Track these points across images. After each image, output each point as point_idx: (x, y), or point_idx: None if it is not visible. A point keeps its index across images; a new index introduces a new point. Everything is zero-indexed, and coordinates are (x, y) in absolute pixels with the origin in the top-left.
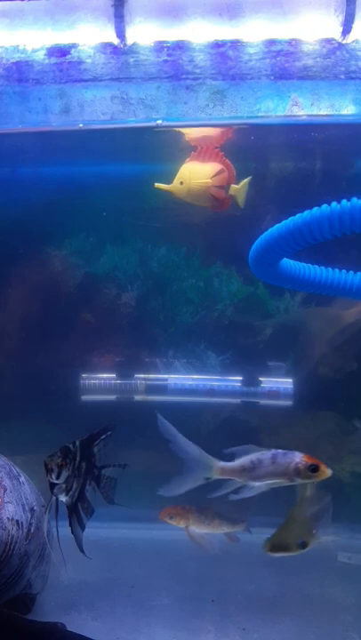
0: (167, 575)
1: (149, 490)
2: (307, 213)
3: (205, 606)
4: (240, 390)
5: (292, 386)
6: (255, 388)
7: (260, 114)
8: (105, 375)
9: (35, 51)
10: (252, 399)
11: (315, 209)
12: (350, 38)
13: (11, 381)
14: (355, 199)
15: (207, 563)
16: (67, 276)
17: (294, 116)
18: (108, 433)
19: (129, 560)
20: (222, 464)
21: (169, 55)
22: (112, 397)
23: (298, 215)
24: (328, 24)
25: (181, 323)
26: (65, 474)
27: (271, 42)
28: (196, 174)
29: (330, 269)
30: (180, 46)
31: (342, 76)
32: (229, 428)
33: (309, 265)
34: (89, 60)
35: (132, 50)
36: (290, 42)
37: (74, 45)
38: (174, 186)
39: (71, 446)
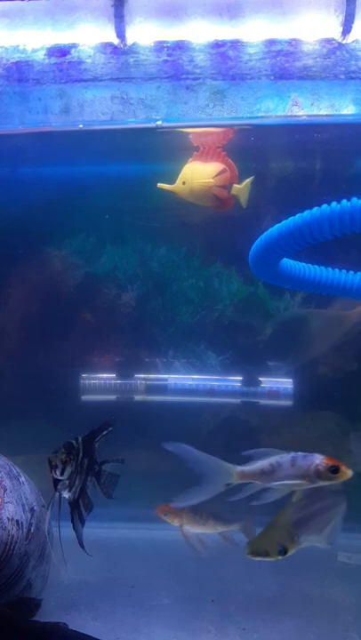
0: (167, 575)
1: (149, 490)
2: (307, 213)
3: (205, 606)
4: (240, 390)
5: (292, 386)
6: (255, 388)
7: (260, 114)
8: (105, 375)
9: (35, 51)
10: (252, 399)
11: (315, 209)
12: (350, 38)
13: (11, 381)
14: (355, 199)
15: (207, 563)
16: (67, 275)
17: (294, 116)
18: (110, 429)
19: (129, 560)
20: (241, 468)
21: (169, 55)
22: (112, 397)
23: (298, 215)
24: (328, 24)
25: (181, 323)
26: (69, 470)
27: (271, 42)
28: (198, 174)
29: (330, 269)
30: (180, 46)
31: (342, 76)
32: (229, 428)
33: (309, 265)
34: (89, 60)
35: (132, 50)
36: (290, 42)
37: (74, 45)
38: (177, 186)
39: (74, 442)
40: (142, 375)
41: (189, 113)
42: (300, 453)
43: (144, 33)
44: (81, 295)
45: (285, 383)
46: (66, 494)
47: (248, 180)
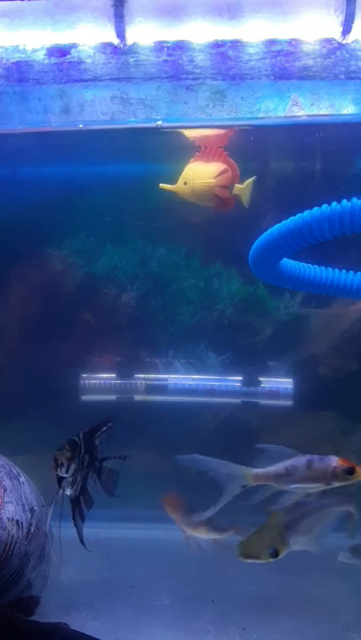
0: (167, 575)
1: (149, 490)
2: (307, 213)
3: (205, 606)
4: (240, 390)
5: (292, 386)
6: (255, 388)
7: (260, 114)
8: (105, 375)
9: (35, 51)
10: (252, 399)
11: (315, 209)
12: (350, 38)
13: (11, 381)
14: (355, 199)
15: (207, 563)
16: (67, 275)
17: (294, 116)
18: (109, 425)
19: (129, 560)
20: (256, 471)
21: (169, 55)
22: (112, 397)
23: (298, 215)
24: (328, 24)
25: (181, 323)
26: (73, 467)
27: (271, 42)
28: (199, 174)
29: (330, 269)
30: (180, 46)
31: (342, 76)
32: (229, 428)
33: (309, 265)
34: (89, 60)
35: (132, 50)
36: (290, 42)
37: (74, 45)
38: (178, 186)
39: (77, 439)
40: (142, 375)
41: (189, 113)
42: (315, 456)
43: (144, 33)
44: (81, 295)
45: (285, 383)
46: (68, 491)
47: (250, 180)
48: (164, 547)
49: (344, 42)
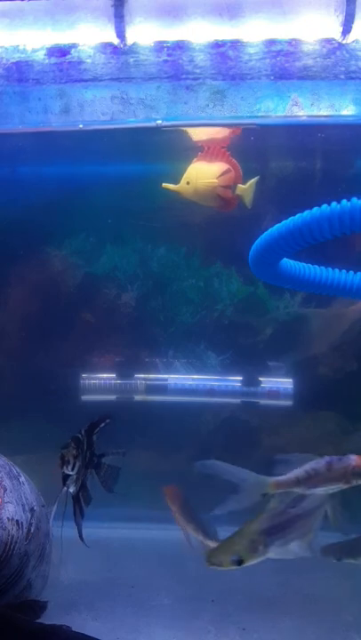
0: (167, 575)
1: (149, 490)
2: (307, 213)
3: (205, 606)
4: (240, 390)
5: (292, 386)
6: (255, 388)
7: (260, 114)
8: (105, 375)
9: (35, 51)
10: (252, 399)
11: (315, 209)
12: (350, 38)
13: (11, 381)
14: (355, 199)
15: None
16: (67, 275)
17: (294, 116)
18: (107, 421)
19: (129, 560)
20: (276, 479)
21: (169, 55)
22: (112, 397)
23: (298, 215)
24: (328, 24)
25: (181, 323)
26: (77, 465)
27: (271, 42)
28: (202, 174)
29: (330, 269)
30: (180, 46)
31: (342, 76)
32: (229, 428)
33: (309, 265)
34: (89, 60)
35: (132, 50)
36: (290, 42)
37: (74, 45)
38: (181, 186)
39: (80, 436)
40: (142, 375)
41: (189, 113)
42: (334, 457)
43: (144, 33)
44: (81, 295)
45: (285, 383)
46: (72, 489)
47: (253, 181)
48: (164, 547)
49: (344, 42)
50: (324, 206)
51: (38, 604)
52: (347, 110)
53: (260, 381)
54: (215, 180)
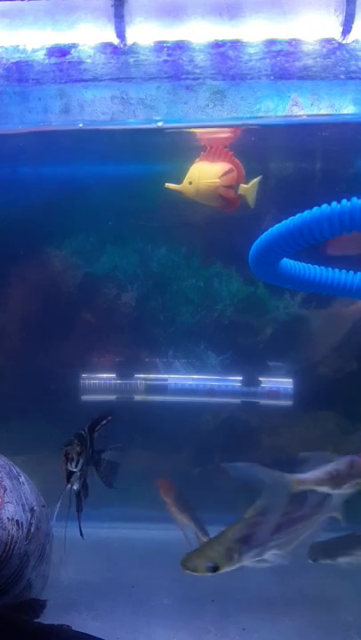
0: (167, 575)
1: (149, 490)
2: (307, 213)
3: (205, 606)
4: (240, 390)
5: (292, 386)
6: (255, 388)
7: (260, 114)
8: (105, 375)
9: (35, 51)
10: (252, 399)
11: (315, 209)
12: (350, 38)
13: (11, 381)
14: (355, 199)
15: None
16: (67, 275)
17: (294, 116)
18: (109, 418)
19: (129, 560)
20: (298, 477)
21: (169, 55)
22: (112, 397)
23: (298, 215)
24: (328, 24)
25: (181, 323)
26: (81, 461)
27: (271, 42)
28: (204, 174)
29: (330, 269)
30: (180, 46)
31: (342, 76)
32: (229, 428)
33: (309, 265)
34: (89, 60)
35: (132, 50)
36: (290, 42)
37: (74, 45)
38: (184, 186)
39: (83, 433)
40: (142, 375)
41: (189, 113)
42: (354, 456)
43: (144, 33)
44: (81, 295)
45: (285, 383)
46: (76, 486)
47: (255, 180)
48: (164, 547)
49: (344, 42)
50: (324, 206)
51: (38, 603)
52: (347, 110)
53: (260, 381)
54: (217, 180)
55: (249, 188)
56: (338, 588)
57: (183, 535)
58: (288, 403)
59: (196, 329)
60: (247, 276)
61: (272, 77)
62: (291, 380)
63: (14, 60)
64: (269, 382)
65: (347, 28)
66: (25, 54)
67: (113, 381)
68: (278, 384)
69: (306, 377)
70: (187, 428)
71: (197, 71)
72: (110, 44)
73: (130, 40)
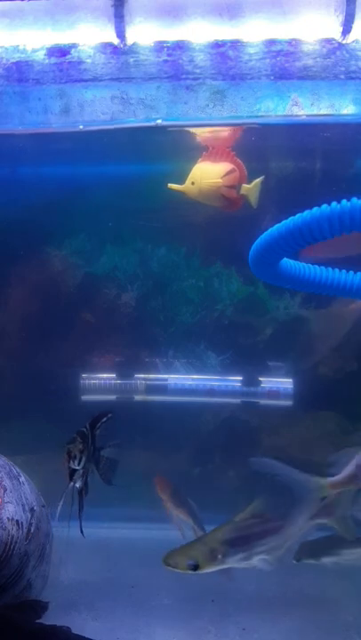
0: (167, 575)
1: (149, 490)
2: (307, 213)
3: (205, 606)
4: (240, 390)
5: (292, 386)
6: (255, 388)
7: (260, 114)
8: (105, 375)
9: (35, 51)
10: (252, 399)
11: (315, 209)
12: (350, 38)
13: (11, 381)
14: (355, 199)
15: None
16: (67, 275)
17: (294, 116)
18: (109, 415)
19: (129, 560)
20: (331, 480)
21: (169, 55)
22: (112, 397)
23: (298, 215)
24: (328, 24)
25: (181, 323)
26: (84, 459)
27: (271, 42)
28: (207, 174)
29: (330, 269)
30: (180, 46)
31: (342, 76)
32: (229, 428)
33: (309, 265)
34: (89, 60)
35: (132, 50)
36: (290, 42)
37: (74, 45)
38: (186, 186)
39: (85, 430)
40: (142, 375)
41: (189, 113)
42: None
43: (144, 33)
44: (81, 295)
45: (285, 383)
46: (78, 484)
47: (258, 180)
48: (164, 547)
49: (344, 42)
50: (324, 206)
51: (39, 605)
52: (347, 110)
53: (260, 381)
54: (219, 180)
55: (251, 188)
56: (338, 588)
57: (180, 532)
58: (288, 403)
59: (196, 329)
60: (247, 276)
61: (272, 77)
62: (291, 380)
63: (14, 60)
64: (269, 382)
65: (347, 28)
66: (25, 54)
67: (113, 381)
68: (278, 384)
69: (306, 377)
70: (187, 428)
71: (197, 71)
72: (110, 44)
73: (130, 40)
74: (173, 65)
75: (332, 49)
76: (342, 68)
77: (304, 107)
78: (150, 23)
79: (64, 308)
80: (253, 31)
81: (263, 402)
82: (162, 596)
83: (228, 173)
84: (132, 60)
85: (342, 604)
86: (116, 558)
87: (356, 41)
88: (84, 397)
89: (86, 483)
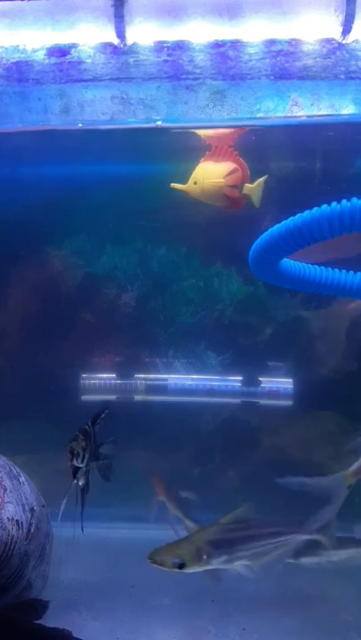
0: (167, 575)
1: (149, 490)
2: (307, 213)
3: (205, 606)
4: (240, 390)
5: (292, 386)
6: (255, 388)
7: (260, 114)
8: (105, 375)
9: (35, 51)
10: (252, 399)
11: (315, 209)
12: (350, 38)
13: (11, 381)
14: (355, 199)
15: None
16: (67, 275)
17: (294, 116)
18: (106, 411)
19: (129, 560)
20: (352, 469)
21: (169, 55)
22: (112, 397)
23: (298, 215)
24: (328, 24)
25: (181, 323)
26: (87, 457)
27: (271, 42)
28: (209, 174)
29: (330, 269)
30: (180, 46)
31: (342, 76)
32: (229, 428)
33: (309, 265)
34: (89, 60)
35: (132, 50)
36: (290, 42)
37: (74, 45)
38: (189, 186)
39: (87, 427)
40: (142, 375)
41: (189, 113)
42: None
43: (144, 33)
44: (81, 295)
45: (285, 383)
46: (82, 482)
47: (261, 180)
48: None
49: (344, 42)
50: (324, 206)
51: (40, 604)
52: (347, 110)
53: (260, 381)
54: (222, 180)
55: (254, 188)
56: (338, 587)
57: (173, 530)
58: (288, 403)
59: (196, 329)
60: (247, 276)
61: (272, 77)
62: (291, 380)
63: (14, 60)
64: (269, 382)
65: (347, 28)
66: (25, 54)
67: (113, 381)
68: (278, 384)
69: (306, 377)
70: (187, 428)
71: (197, 71)
72: (110, 44)
73: (130, 40)
74: (173, 65)
75: (332, 49)
76: (342, 68)
77: (304, 107)
78: (150, 23)
79: (64, 308)
80: (253, 31)
81: (263, 402)
82: (162, 595)
83: (230, 173)
84: (132, 60)
85: (342, 604)
86: (116, 558)
87: (356, 41)
88: (84, 397)
89: (88, 480)
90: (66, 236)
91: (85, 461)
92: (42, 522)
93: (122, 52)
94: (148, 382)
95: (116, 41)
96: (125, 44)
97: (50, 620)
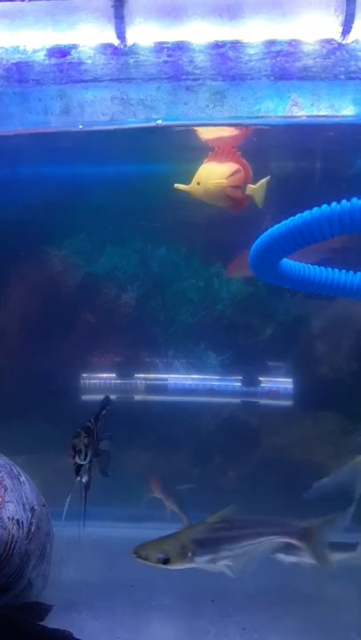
0: (167, 575)
1: (149, 490)
2: (307, 213)
3: (205, 606)
4: (240, 390)
5: (292, 386)
6: (255, 388)
7: (260, 114)
8: (105, 375)
9: (35, 51)
10: (252, 399)
11: (315, 209)
12: (350, 38)
13: (11, 381)
14: (355, 199)
15: None
16: (67, 275)
17: (294, 116)
18: (107, 407)
19: (129, 560)
20: None
21: (169, 56)
22: (112, 397)
23: (298, 215)
24: (328, 24)
25: (181, 323)
26: (89, 454)
27: (271, 42)
28: (212, 175)
29: (330, 269)
30: (180, 47)
31: (342, 77)
32: (229, 428)
33: (309, 265)
34: (89, 61)
35: (132, 50)
36: (290, 42)
37: (74, 46)
38: (192, 186)
39: (90, 424)
40: (142, 375)
41: (189, 114)
42: None
43: (144, 34)
44: (81, 295)
45: (285, 383)
46: (85, 479)
47: (264, 181)
48: None
49: (344, 42)
50: (324, 206)
51: (42, 607)
52: (347, 110)
53: (260, 381)
54: (224, 181)
55: (257, 189)
56: (338, 588)
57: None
58: (288, 403)
59: (196, 329)
60: (247, 276)
61: (272, 78)
62: (291, 380)
63: (14, 61)
64: (269, 382)
65: (347, 28)
66: (25, 55)
67: (113, 381)
68: (278, 384)
69: (306, 377)
70: (187, 428)
71: (197, 72)
72: (110, 45)
73: (130, 41)
74: (173, 66)
75: (332, 49)
76: (342, 69)
77: (304, 107)
78: (150, 24)
79: (64, 308)
80: (253, 32)
81: (263, 402)
82: (162, 595)
83: (233, 174)
84: (132, 60)
85: (342, 604)
86: (116, 558)
87: (356, 41)
88: (84, 397)
89: (90, 477)
90: (66, 236)
91: (88, 458)
92: (42, 521)
93: (122, 53)
94: (148, 382)
95: (116, 42)
96: (125, 45)
97: (50, 620)
